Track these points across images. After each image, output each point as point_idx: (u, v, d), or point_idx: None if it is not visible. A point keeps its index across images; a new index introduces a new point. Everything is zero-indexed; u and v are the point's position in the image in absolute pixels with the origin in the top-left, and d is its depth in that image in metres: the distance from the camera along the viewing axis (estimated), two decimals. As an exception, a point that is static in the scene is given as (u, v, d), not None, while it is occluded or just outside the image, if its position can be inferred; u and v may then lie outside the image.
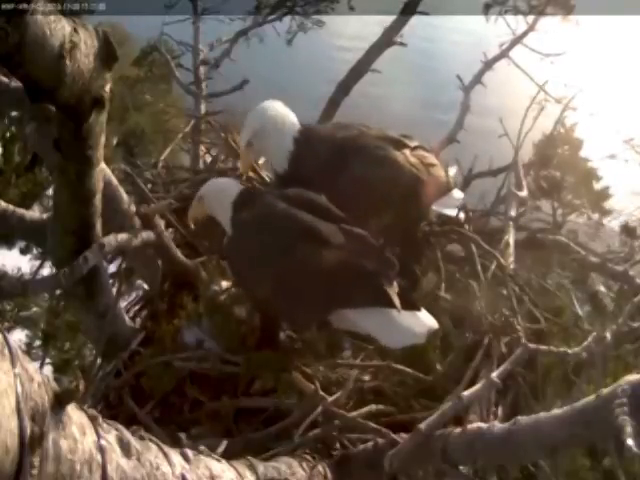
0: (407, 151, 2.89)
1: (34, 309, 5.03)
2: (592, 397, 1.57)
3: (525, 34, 5.13)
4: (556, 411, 1.68)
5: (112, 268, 3.01)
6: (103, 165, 2.28)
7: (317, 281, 2.32)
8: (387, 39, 4.99)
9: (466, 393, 1.95)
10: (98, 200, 2.29)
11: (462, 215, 3.29)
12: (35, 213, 3.03)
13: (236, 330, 2.59)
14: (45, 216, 2.80)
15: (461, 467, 1.97)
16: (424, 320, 2.31)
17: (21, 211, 2.77)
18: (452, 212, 3.18)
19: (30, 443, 1.09)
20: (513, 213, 3.38)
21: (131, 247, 2.51)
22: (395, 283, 2.32)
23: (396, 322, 2.26)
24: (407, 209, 2.87)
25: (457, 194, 3.20)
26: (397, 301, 2.25)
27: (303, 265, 2.33)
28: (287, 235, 2.38)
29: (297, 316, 2.51)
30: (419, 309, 2.32)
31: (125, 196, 2.77)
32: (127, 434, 1.37)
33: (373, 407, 2.33)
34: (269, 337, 2.54)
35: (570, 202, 4.02)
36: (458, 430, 1.88)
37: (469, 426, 1.88)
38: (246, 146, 2.79)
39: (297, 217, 2.38)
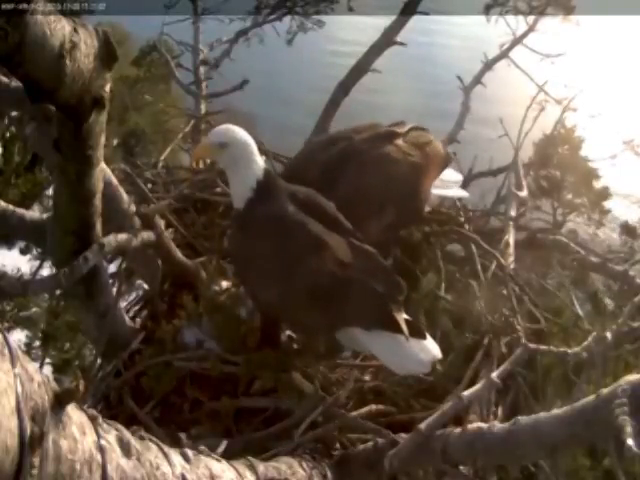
0: (399, 141, 2.90)
1: (34, 309, 5.04)
2: (592, 397, 1.57)
3: (525, 34, 5.14)
4: (556, 411, 1.68)
5: (112, 268, 3.01)
6: (103, 165, 2.28)
7: (326, 298, 2.28)
8: (387, 39, 4.99)
9: (466, 393, 1.95)
10: (98, 200, 2.29)
11: (462, 213, 3.30)
12: (35, 213, 3.03)
13: (236, 330, 2.58)
14: (45, 216, 2.79)
15: (461, 467, 1.97)
16: (430, 349, 2.27)
17: (21, 211, 2.76)
18: (453, 193, 3.19)
19: (30, 443, 1.09)
20: (513, 213, 3.38)
21: (131, 247, 2.50)
22: (402, 308, 2.30)
23: (403, 349, 2.22)
24: (410, 199, 2.88)
25: (454, 176, 3.20)
26: (405, 328, 2.22)
27: (313, 280, 2.28)
28: (299, 246, 2.32)
29: (303, 328, 2.52)
30: (425, 337, 2.28)
31: (125, 196, 2.76)
32: (127, 434, 1.37)
33: (373, 407, 2.33)
34: (269, 337, 2.54)
35: (570, 202, 4.03)
36: (458, 430, 1.88)
37: (469, 426, 1.88)
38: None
39: (309, 228, 2.32)
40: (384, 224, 2.74)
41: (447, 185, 3.13)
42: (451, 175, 3.17)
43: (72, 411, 1.22)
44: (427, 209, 3.10)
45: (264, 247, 2.35)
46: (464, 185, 3.69)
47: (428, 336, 2.30)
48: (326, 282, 2.27)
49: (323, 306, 2.29)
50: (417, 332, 2.25)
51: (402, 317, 2.26)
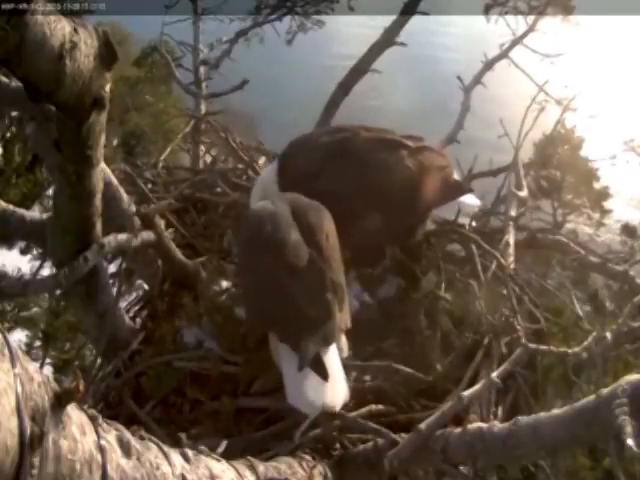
0: (404, 152, 2.85)
1: (34, 309, 5.04)
2: (592, 397, 1.57)
3: (525, 34, 5.14)
4: (556, 411, 1.68)
5: (112, 268, 3.01)
6: (103, 165, 2.28)
7: (259, 298, 2.32)
8: (387, 39, 4.99)
9: (466, 393, 1.95)
10: (98, 200, 2.29)
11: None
12: (35, 213, 3.03)
13: (236, 330, 2.58)
14: (45, 216, 2.79)
15: (461, 467, 1.97)
16: (326, 393, 2.06)
17: (21, 211, 2.76)
18: (464, 220, 3.14)
19: (30, 443, 1.09)
20: (513, 213, 3.37)
21: (131, 247, 2.50)
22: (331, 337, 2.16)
23: (297, 377, 2.07)
24: (399, 213, 2.83)
25: (471, 200, 3.15)
26: (305, 356, 2.05)
27: (256, 277, 2.35)
28: (254, 239, 2.41)
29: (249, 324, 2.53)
30: (327, 379, 2.07)
31: (125, 196, 2.77)
32: (127, 434, 1.37)
33: (373, 407, 2.33)
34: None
35: (570, 202, 4.03)
36: (458, 430, 1.88)
37: (469, 426, 1.88)
38: None
39: (270, 226, 2.33)
40: (368, 229, 2.69)
41: (460, 208, 3.11)
42: (469, 200, 3.13)
43: (72, 411, 1.22)
44: (428, 227, 3.07)
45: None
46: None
47: (338, 381, 2.11)
48: (265, 284, 2.28)
49: (257, 304, 2.34)
50: (320, 370, 2.06)
51: (317, 345, 2.09)
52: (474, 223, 3.28)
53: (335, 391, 2.09)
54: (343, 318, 2.26)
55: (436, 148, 3.08)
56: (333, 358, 2.15)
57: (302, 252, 2.28)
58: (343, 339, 2.29)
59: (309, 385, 2.06)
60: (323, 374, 2.06)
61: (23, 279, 4.02)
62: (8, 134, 5.17)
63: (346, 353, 2.30)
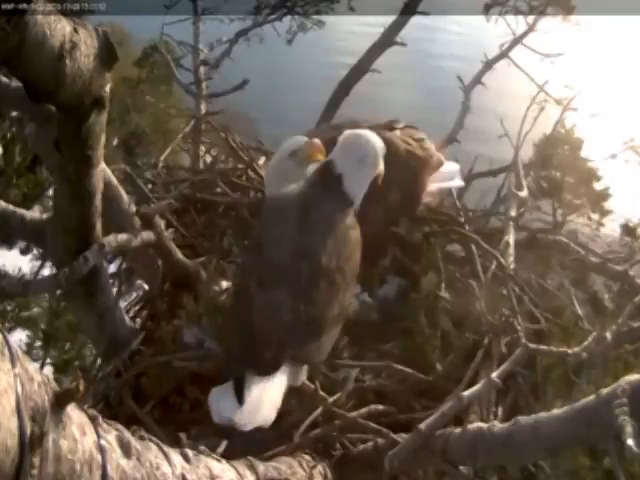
0: (398, 132, 2.96)
1: (34, 309, 5.04)
2: (592, 397, 1.57)
3: (525, 34, 5.15)
4: (556, 411, 1.68)
5: (112, 268, 3.01)
6: (103, 165, 2.28)
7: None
8: (387, 39, 5.00)
9: (466, 393, 1.95)
10: (98, 200, 2.29)
11: (462, 213, 3.30)
12: (35, 213, 3.03)
13: (236, 330, 2.58)
14: (45, 216, 2.79)
15: (461, 467, 1.97)
16: (240, 413, 1.97)
17: (21, 211, 2.76)
18: (453, 183, 3.25)
19: (30, 443, 1.09)
20: (513, 213, 3.37)
21: (131, 247, 2.50)
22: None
23: (223, 390, 2.07)
24: (410, 185, 2.92)
25: (451, 166, 3.23)
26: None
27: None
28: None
29: None
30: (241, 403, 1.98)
31: (125, 196, 2.77)
32: (127, 434, 1.37)
33: (373, 407, 2.33)
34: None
35: (570, 202, 4.02)
36: (458, 430, 1.88)
37: (469, 426, 1.88)
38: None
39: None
40: (386, 207, 2.75)
41: (446, 177, 3.18)
42: (448, 166, 3.21)
43: (72, 411, 1.22)
44: (427, 200, 3.12)
45: None
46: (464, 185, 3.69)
47: (257, 408, 1.99)
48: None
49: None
50: (238, 393, 2.00)
51: (244, 370, 2.03)
52: (474, 217, 3.32)
53: (248, 415, 1.97)
54: (307, 351, 2.12)
55: (410, 124, 3.13)
56: (265, 387, 2.02)
57: (280, 263, 2.15)
58: (302, 370, 2.18)
59: (225, 398, 2.03)
60: (239, 397, 1.99)
61: (23, 279, 4.03)
62: (8, 134, 5.17)
63: (299, 382, 2.19)
